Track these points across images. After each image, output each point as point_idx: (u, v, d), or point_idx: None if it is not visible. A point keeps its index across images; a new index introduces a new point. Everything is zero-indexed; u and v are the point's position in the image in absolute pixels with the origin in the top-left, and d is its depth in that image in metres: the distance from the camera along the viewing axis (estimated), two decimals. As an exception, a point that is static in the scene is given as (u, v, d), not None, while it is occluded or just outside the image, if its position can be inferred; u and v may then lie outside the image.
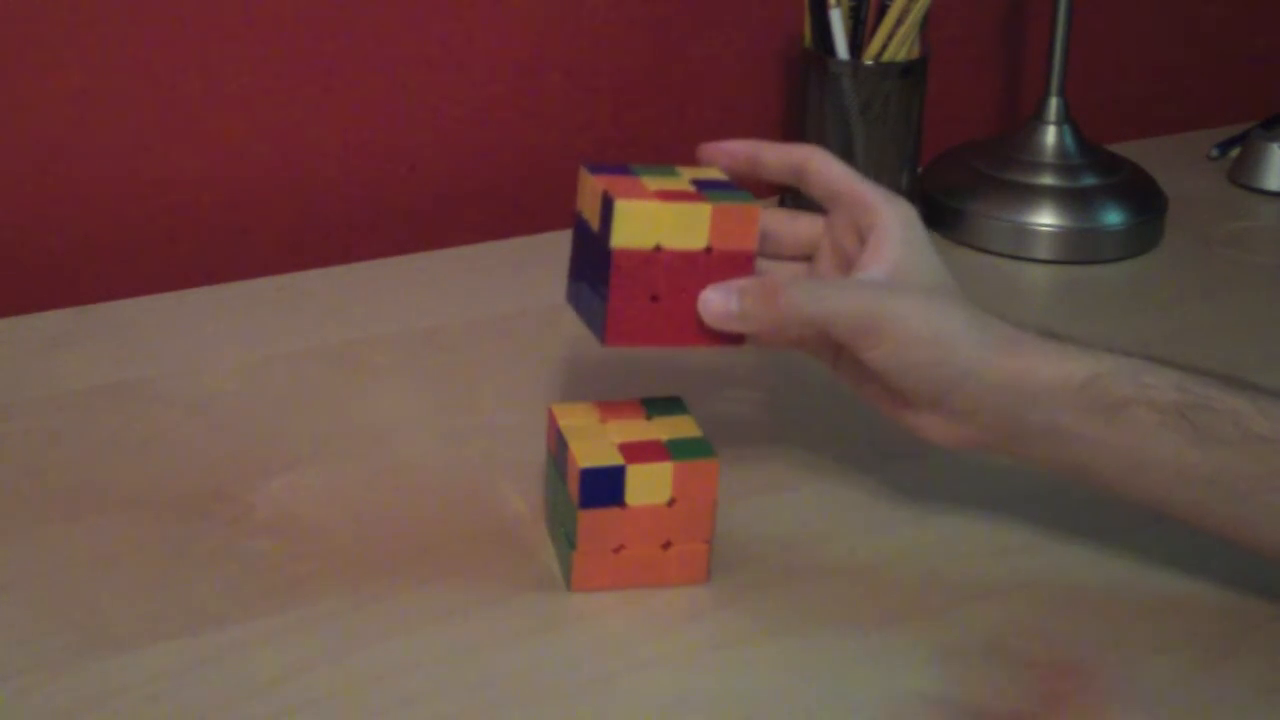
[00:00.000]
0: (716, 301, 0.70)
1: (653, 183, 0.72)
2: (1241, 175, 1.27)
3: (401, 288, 1.06)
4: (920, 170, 1.16)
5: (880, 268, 0.72)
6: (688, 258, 0.70)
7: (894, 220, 0.73)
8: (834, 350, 0.75)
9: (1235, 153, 1.30)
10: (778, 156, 0.77)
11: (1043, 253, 1.13)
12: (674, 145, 1.23)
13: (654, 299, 0.70)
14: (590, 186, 0.72)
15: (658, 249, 0.69)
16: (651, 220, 0.69)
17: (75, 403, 0.90)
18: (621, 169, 0.74)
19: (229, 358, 0.95)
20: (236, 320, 1.00)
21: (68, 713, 0.66)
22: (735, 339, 0.71)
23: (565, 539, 0.74)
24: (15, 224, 1.05)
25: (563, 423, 0.75)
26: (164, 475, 0.83)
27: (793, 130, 1.21)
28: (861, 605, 0.74)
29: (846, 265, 0.76)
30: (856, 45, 1.10)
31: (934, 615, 0.74)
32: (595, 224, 0.71)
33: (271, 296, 1.04)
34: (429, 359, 0.97)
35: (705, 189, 0.72)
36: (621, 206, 0.69)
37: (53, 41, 1.02)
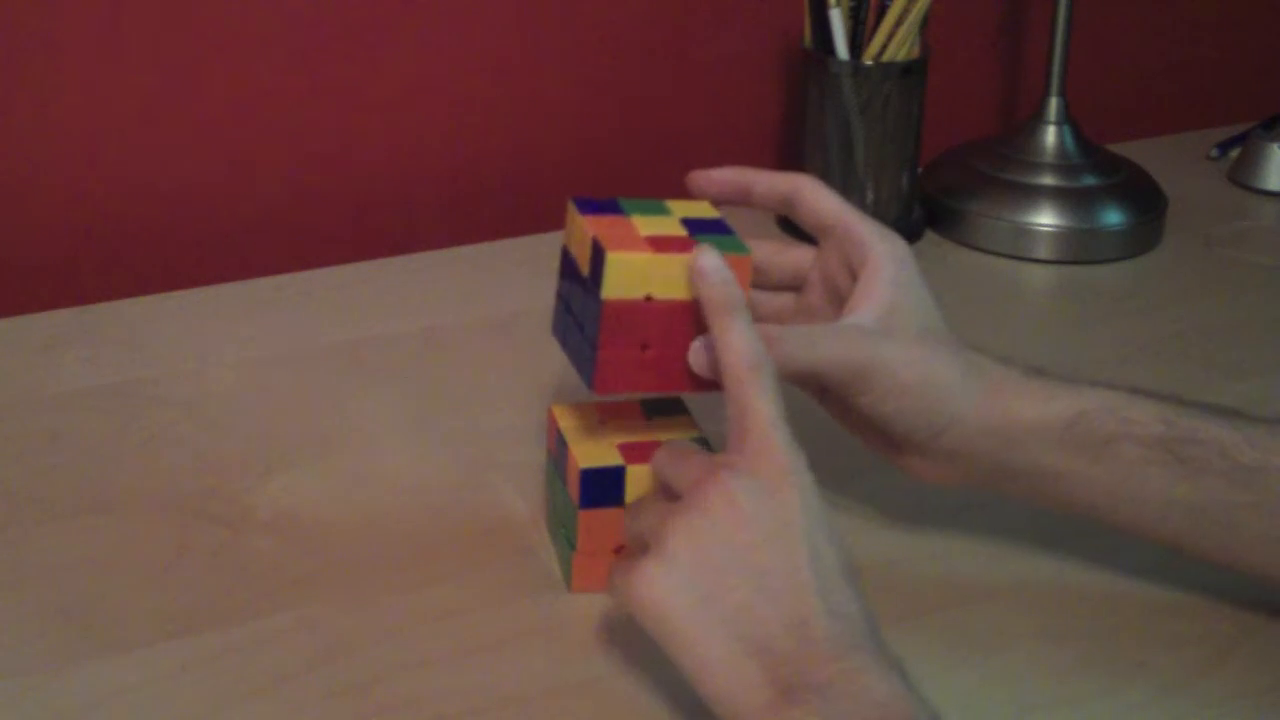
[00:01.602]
0: (707, 353, 0.69)
1: (643, 225, 0.70)
2: (1241, 175, 1.27)
3: (402, 288, 1.06)
4: (920, 170, 1.16)
5: (870, 310, 0.71)
6: (679, 307, 0.68)
7: (886, 259, 0.72)
8: (822, 390, 0.75)
9: (1235, 153, 1.30)
10: (768, 186, 0.76)
11: (1043, 253, 1.13)
12: (674, 145, 1.23)
13: (644, 348, 0.69)
14: (579, 227, 0.71)
15: (648, 299, 0.68)
16: (643, 272, 0.68)
17: (75, 403, 0.90)
18: (610, 206, 0.72)
19: (229, 358, 0.95)
20: (236, 320, 1.00)
21: (68, 713, 0.66)
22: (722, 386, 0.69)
23: (565, 539, 0.74)
24: (15, 224, 1.05)
25: (563, 423, 0.75)
26: (164, 475, 0.83)
27: (793, 130, 1.21)
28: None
29: (836, 298, 0.76)
30: (856, 45, 1.10)
31: (934, 615, 0.74)
32: (585, 268, 0.70)
33: (271, 296, 1.04)
34: (428, 359, 0.97)
35: (697, 232, 0.70)
36: (614, 259, 0.67)
37: (53, 42, 1.02)
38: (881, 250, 0.73)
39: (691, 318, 0.68)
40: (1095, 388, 0.73)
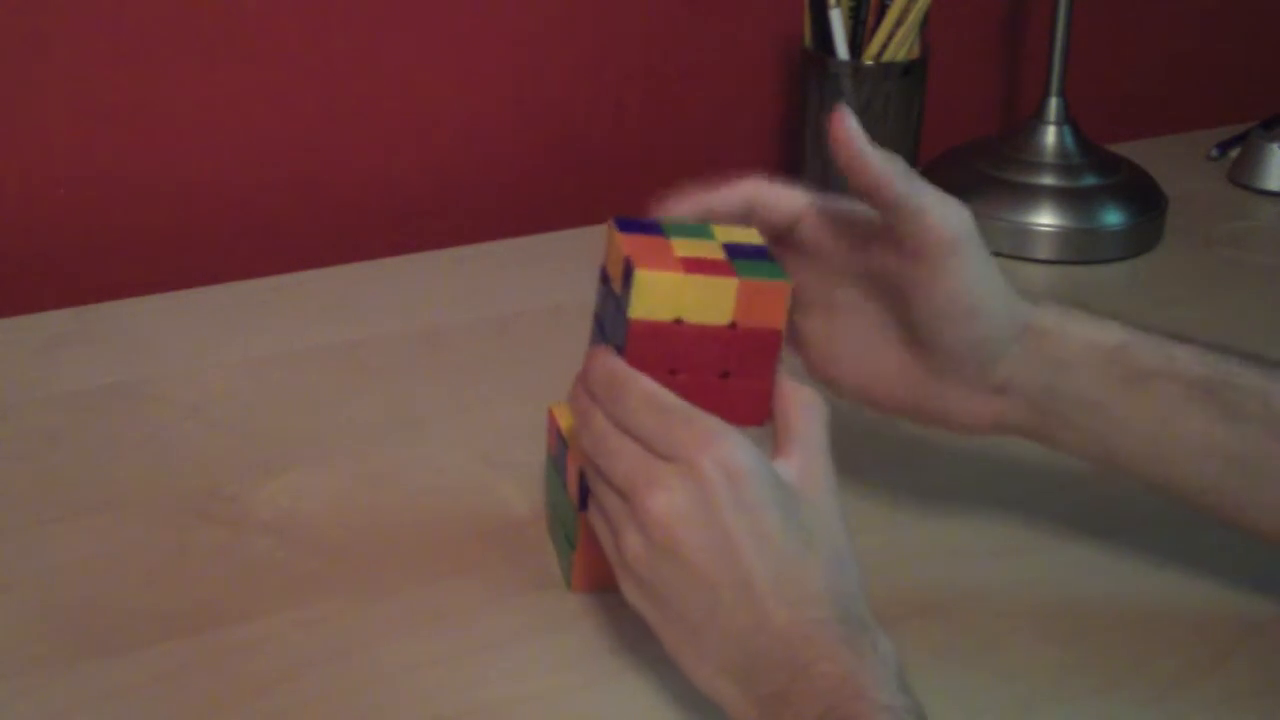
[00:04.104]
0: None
1: (682, 247, 0.67)
2: (1241, 175, 1.27)
3: (401, 288, 1.06)
4: (920, 170, 1.16)
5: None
6: (710, 333, 0.65)
7: (936, 213, 0.70)
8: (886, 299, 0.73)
9: (1235, 153, 1.30)
10: (721, 201, 0.72)
11: (1043, 253, 1.13)
12: (674, 145, 1.23)
13: (672, 373, 0.65)
14: (616, 245, 0.68)
15: (678, 322, 0.65)
16: (673, 292, 0.65)
17: (75, 403, 0.90)
18: (652, 226, 0.69)
19: (229, 358, 0.95)
20: (236, 320, 1.00)
21: (68, 713, 0.66)
22: (757, 418, 0.67)
23: (565, 539, 0.74)
24: (15, 224, 1.05)
25: (563, 423, 0.75)
26: (164, 475, 0.83)
27: (793, 130, 1.21)
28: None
29: (874, 287, 0.73)
30: (856, 45, 1.10)
31: (934, 615, 0.74)
32: (617, 286, 0.67)
33: (271, 296, 1.04)
34: (429, 359, 0.97)
35: (737, 257, 0.67)
36: (642, 277, 0.64)
37: (53, 43, 1.02)
38: (930, 206, 0.70)
39: (724, 345, 0.66)
40: (1137, 327, 0.72)
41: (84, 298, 1.02)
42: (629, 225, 0.69)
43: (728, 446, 0.61)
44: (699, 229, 0.70)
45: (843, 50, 1.10)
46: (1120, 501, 0.80)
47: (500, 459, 0.85)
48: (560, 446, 0.75)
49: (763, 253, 0.68)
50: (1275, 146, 1.26)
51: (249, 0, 1.07)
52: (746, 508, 0.61)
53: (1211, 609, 0.75)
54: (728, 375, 0.66)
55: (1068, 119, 1.17)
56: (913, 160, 1.13)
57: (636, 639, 0.71)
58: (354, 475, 0.84)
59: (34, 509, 0.80)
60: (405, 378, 0.94)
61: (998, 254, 1.13)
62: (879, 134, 1.12)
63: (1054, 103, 1.17)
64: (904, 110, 1.11)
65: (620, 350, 0.66)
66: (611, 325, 0.67)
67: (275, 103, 1.10)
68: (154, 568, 0.76)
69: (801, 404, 0.65)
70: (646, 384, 0.64)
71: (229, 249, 1.10)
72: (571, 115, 1.19)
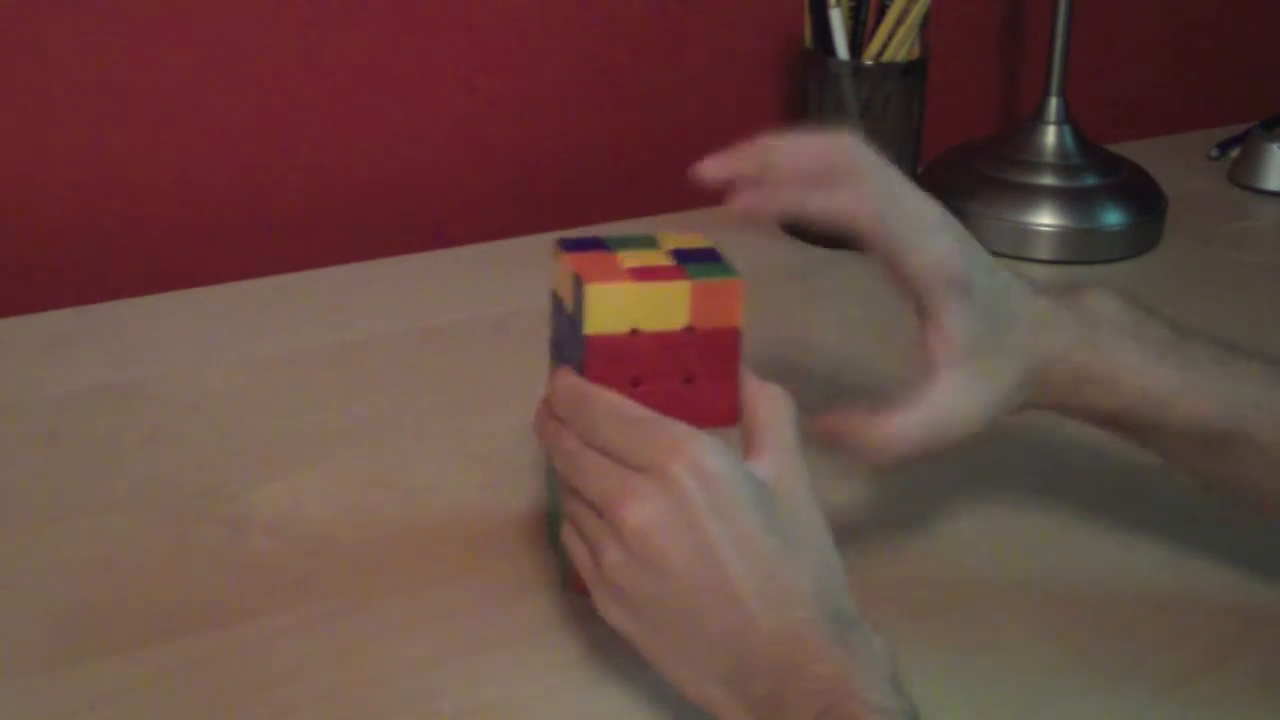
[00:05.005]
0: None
1: (629, 258, 0.67)
2: (1241, 175, 1.27)
3: (401, 288, 1.06)
4: (920, 170, 1.16)
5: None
6: (668, 339, 0.65)
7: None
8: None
9: (1235, 153, 1.30)
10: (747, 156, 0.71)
11: (1043, 253, 1.13)
12: (674, 145, 1.23)
13: (635, 384, 0.65)
14: (563, 265, 0.68)
15: (634, 332, 0.65)
16: (625, 303, 0.65)
17: (75, 403, 0.90)
18: (596, 243, 0.69)
19: (229, 358, 0.96)
20: (236, 320, 1.00)
21: (68, 713, 0.66)
22: (729, 419, 0.67)
23: (565, 539, 0.74)
24: (16, 224, 1.05)
25: (563, 423, 0.75)
26: (164, 475, 0.83)
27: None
28: (861, 606, 0.74)
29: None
30: (856, 45, 1.10)
31: (934, 615, 0.74)
32: (569, 305, 0.67)
33: (271, 296, 1.04)
34: (429, 359, 0.97)
35: (686, 261, 0.67)
36: (592, 291, 0.64)
37: (52, 43, 1.02)
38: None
39: (684, 349, 0.66)
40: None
41: (84, 298, 1.02)
42: (574, 244, 0.69)
43: (698, 451, 0.61)
44: (645, 239, 0.70)
45: (843, 50, 1.10)
46: (1122, 500, 0.81)
47: (500, 459, 0.85)
48: (560, 446, 0.75)
49: (712, 254, 0.68)
50: (1275, 146, 1.26)
51: (249, 1, 1.07)
52: (723, 511, 0.60)
53: (1211, 609, 0.75)
54: (691, 380, 0.66)
55: (1068, 119, 1.17)
56: (913, 160, 1.13)
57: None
58: (354, 475, 0.84)
59: (34, 509, 0.80)
60: (405, 378, 0.94)
61: (998, 254, 1.13)
62: (879, 134, 1.12)
63: (1054, 103, 1.17)
64: (904, 110, 1.11)
65: (580, 369, 0.65)
66: (569, 345, 0.67)
67: (275, 103, 1.10)
68: (154, 568, 0.76)
69: (768, 401, 0.65)
70: (610, 397, 0.64)
71: (229, 249, 1.10)
72: (571, 115, 1.19)
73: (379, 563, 0.77)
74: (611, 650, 0.71)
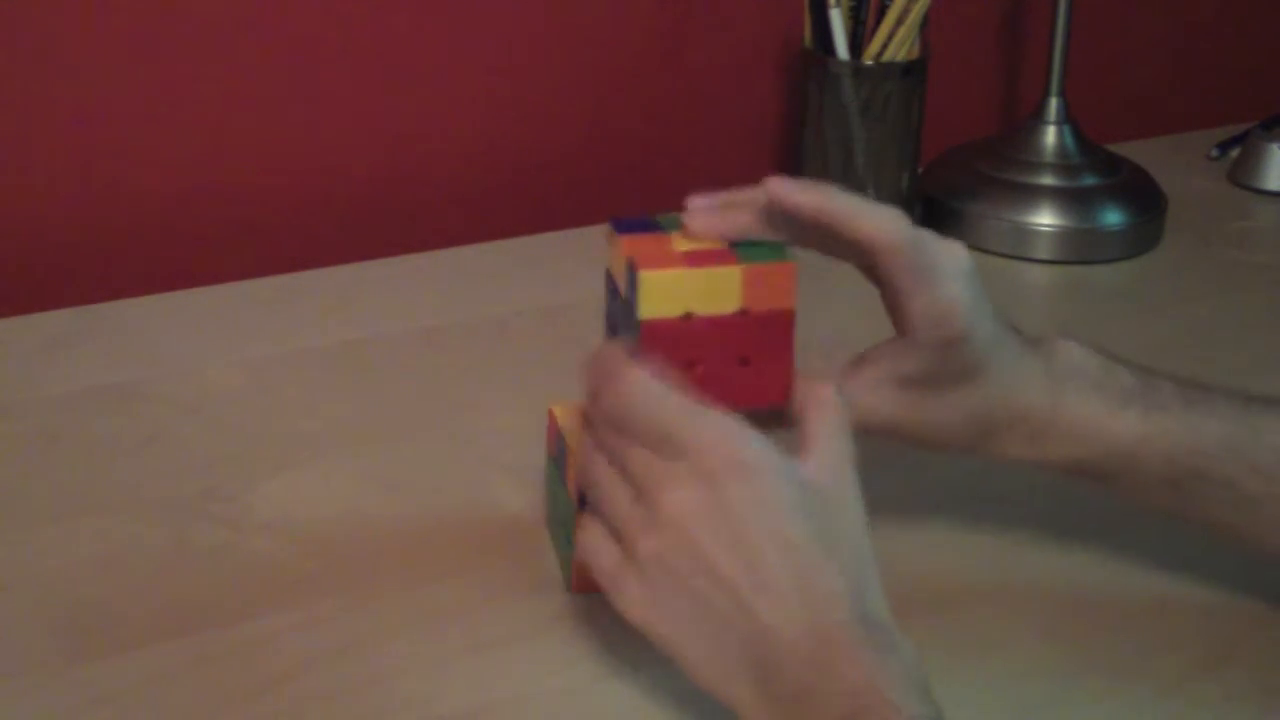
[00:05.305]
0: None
1: (681, 241, 0.68)
2: (1241, 175, 1.27)
3: (401, 288, 1.06)
4: (920, 170, 1.16)
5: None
6: (721, 322, 0.66)
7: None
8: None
9: (1235, 153, 1.30)
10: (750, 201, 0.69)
11: (1043, 253, 1.13)
12: (674, 145, 1.23)
13: (690, 365, 0.66)
14: (617, 248, 0.69)
15: (688, 316, 0.66)
16: (679, 288, 0.65)
17: (75, 403, 0.90)
18: (648, 224, 0.70)
19: (229, 358, 0.95)
20: (236, 320, 1.00)
21: (68, 713, 0.66)
22: (782, 397, 0.67)
23: (565, 539, 0.74)
24: (16, 224, 1.05)
25: (563, 423, 0.75)
26: (164, 475, 0.83)
27: (793, 130, 1.21)
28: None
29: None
30: (856, 45, 1.10)
31: (934, 615, 0.74)
32: (623, 289, 0.68)
33: (271, 296, 1.04)
34: (429, 359, 0.97)
35: (738, 244, 0.68)
36: (646, 277, 0.65)
37: (54, 43, 1.02)
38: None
39: (738, 331, 0.66)
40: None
41: (84, 298, 1.02)
42: (627, 226, 0.69)
43: (741, 444, 0.61)
44: None
45: (843, 50, 1.10)
46: (1122, 500, 0.80)
47: (500, 459, 0.85)
48: (560, 447, 0.75)
49: (764, 238, 0.69)
50: (1275, 146, 1.26)
51: (250, 1, 1.07)
52: (762, 506, 0.60)
53: (1211, 609, 0.75)
54: (746, 361, 0.67)
55: (1068, 119, 1.17)
56: (913, 160, 1.13)
57: (637, 639, 0.71)
58: (353, 475, 0.84)
59: (34, 509, 0.80)
60: (405, 378, 0.94)
61: (998, 254, 1.14)
62: (879, 134, 1.12)
63: (1054, 103, 1.17)
64: (904, 110, 1.11)
65: (635, 351, 0.66)
66: (624, 327, 0.68)
67: (275, 103, 1.10)
68: (153, 568, 0.76)
69: (819, 402, 0.65)
70: (655, 384, 0.63)
71: (229, 249, 1.10)
72: (571, 115, 1.19)
73: (379, 563, 0.77)
74: (611, 650, 0.71)
